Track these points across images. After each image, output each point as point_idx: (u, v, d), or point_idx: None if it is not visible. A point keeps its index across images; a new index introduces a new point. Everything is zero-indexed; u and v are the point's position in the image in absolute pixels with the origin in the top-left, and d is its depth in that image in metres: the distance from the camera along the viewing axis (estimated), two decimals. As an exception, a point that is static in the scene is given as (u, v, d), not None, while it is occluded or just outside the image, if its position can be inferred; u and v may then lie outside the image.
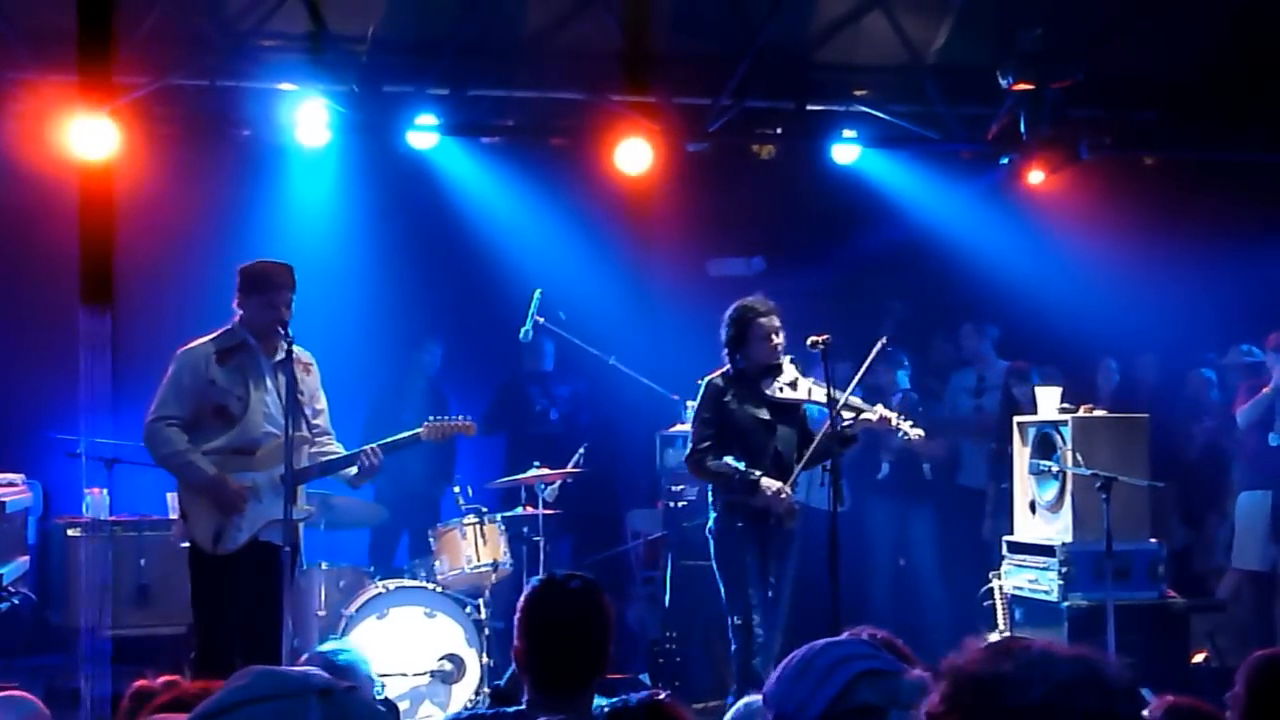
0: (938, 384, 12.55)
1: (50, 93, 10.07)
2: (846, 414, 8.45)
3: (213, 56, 10.52)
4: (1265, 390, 10.75)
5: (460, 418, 8.47)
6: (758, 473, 8.41)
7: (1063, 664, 2.19)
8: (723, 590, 8.58)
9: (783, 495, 8.40)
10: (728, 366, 8.67)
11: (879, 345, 8.37)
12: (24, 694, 4.84)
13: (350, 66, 10.68)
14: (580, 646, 4.25)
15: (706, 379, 8.71)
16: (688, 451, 8.75)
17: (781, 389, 8.58)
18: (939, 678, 2.33)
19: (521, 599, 4.32)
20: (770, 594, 8.54)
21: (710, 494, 8.76)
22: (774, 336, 8.56)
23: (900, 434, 8.46)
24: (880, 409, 8.51)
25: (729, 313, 8.67)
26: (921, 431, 8.59)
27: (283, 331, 7.63)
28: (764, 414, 8.58)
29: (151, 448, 7.77)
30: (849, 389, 8.41)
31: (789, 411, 8.67)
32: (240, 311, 7.84)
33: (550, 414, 12.02)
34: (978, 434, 11.98)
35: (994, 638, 9.20)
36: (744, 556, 8.50)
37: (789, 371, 8.63)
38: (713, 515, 8.65)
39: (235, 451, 7.74)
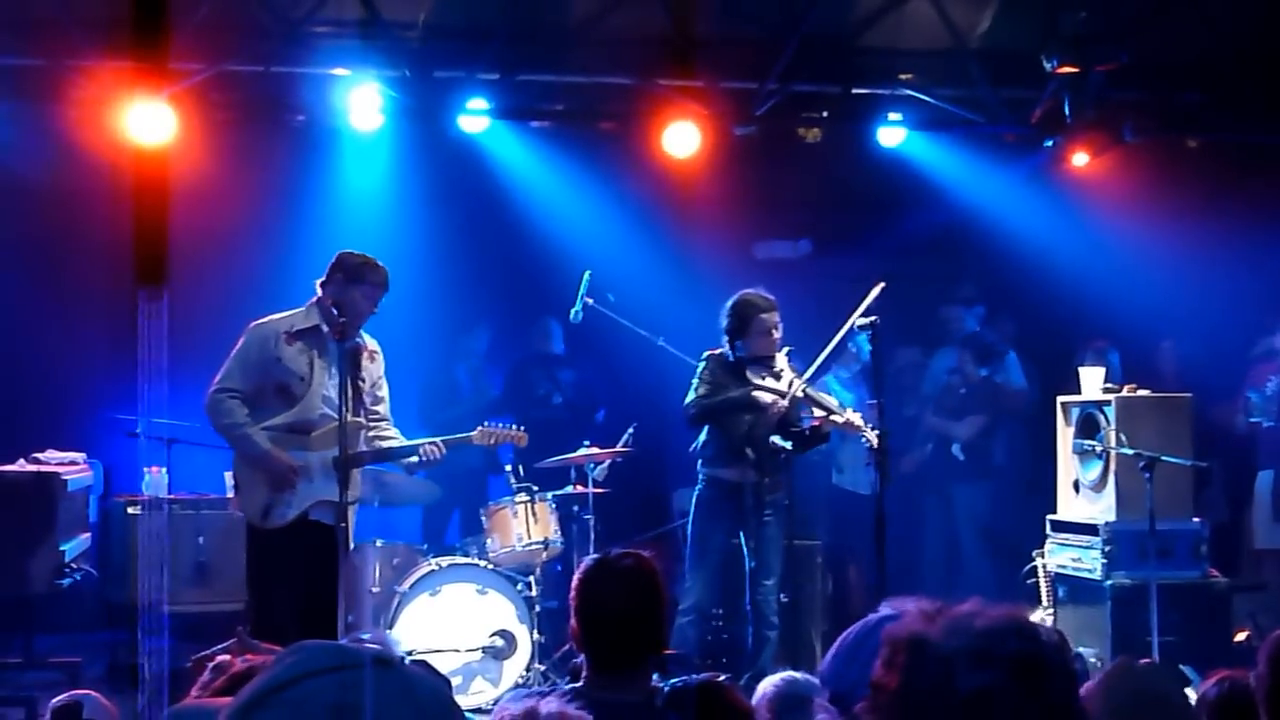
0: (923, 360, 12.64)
1: (108, 79, 10.21)
2: (818, 412, 8.84)
3: (267, 43, 10.64)
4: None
5: (513, 427, 8.66)
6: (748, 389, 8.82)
7: (988, 616, 2.34)
8: (687, 560, 9.05)
9: (777, 405, 8.72)
10: (725, 349, 9.04)
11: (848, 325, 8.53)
12: (89, 692, 4.96)
13: (402, 52, 10.80)
14: (634, 624, 4.30)
15: (707, 354, 9.12)
16: (686, 404, 9.09)
17: (764, 377, 8.88)
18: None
19: (575, 579, 4.40)
20: (753, 565, 8.96)
21: (699, 466, 9.13)
22: (774, 331, 8.95)
23: (862, 439, 8.63)
24: (848, 412, 8.80)
25: (730, 303, 9.06)
26: (874, 437, 8.70)
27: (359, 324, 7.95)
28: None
29: (211, 416, 7.96)
30: (805, 378, 8.77)
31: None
32: (321, 293, 7.98)
33: (553, 398, 12.04)
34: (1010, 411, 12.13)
35: (1037, 616, 9.37)
36: (715, 531, 8.98)
37: (779, 363, 8.95)
38: (697, 487, 9.10)
39: (291, 430, 7.89)
